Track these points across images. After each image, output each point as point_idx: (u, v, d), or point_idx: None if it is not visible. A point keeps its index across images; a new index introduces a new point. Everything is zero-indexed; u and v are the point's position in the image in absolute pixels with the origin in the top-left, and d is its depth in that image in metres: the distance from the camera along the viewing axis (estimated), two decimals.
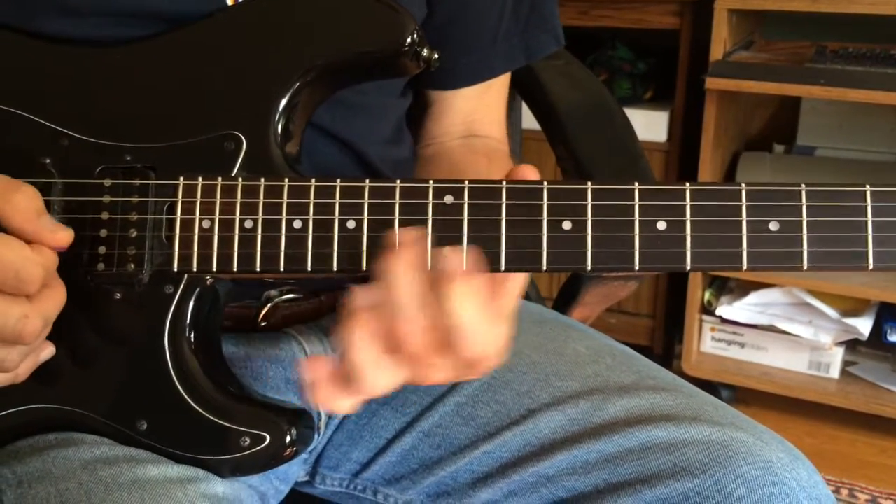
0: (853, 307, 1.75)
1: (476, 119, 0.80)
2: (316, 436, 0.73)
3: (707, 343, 1.88)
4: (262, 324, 0.70)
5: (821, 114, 1.84)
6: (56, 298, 0.54)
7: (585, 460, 0.65)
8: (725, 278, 1.87)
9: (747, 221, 0.52)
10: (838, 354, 1.78)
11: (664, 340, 1.99)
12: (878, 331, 1.76)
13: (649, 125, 1.84)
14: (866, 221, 0.52)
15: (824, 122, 1.84)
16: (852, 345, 1.82)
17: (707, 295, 1.85)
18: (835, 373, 1.79)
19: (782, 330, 1.79)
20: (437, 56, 0.60)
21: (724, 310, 1.81)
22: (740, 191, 0.53)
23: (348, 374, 0.50)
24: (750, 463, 0.61)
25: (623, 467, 0.63)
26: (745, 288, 1.82)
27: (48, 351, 0.56)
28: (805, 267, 0.52)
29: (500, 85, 0.82)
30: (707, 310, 1.85)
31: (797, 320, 1.78)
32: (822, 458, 1.69)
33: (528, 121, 1.07)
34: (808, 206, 0.52)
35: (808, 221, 0.52)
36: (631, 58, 1.91)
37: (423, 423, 0.71)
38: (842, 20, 1.68)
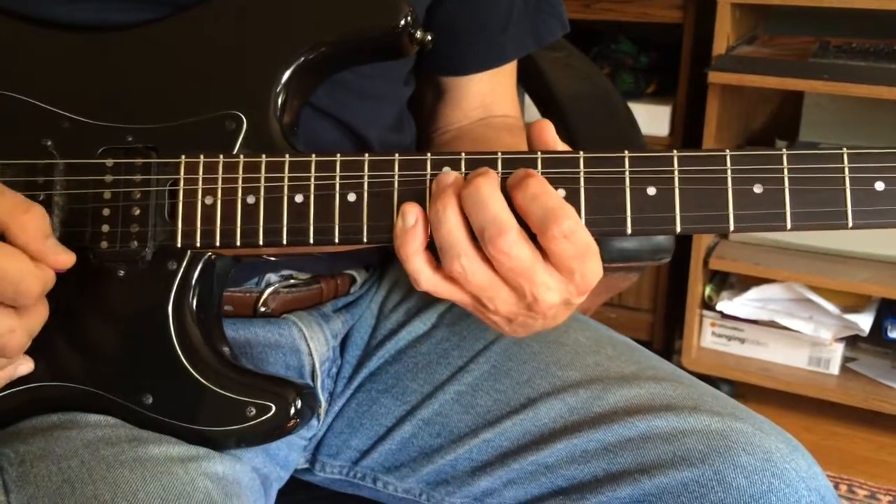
0: (854, 303, 1.75)
1: (491, 101, 0.81)
2: (316, 422, 0.73)
3: (707, 338, 1.88)
4: (262, 309, 0.70)
5: (824, 109, 1.84)
6: (41, 316, 0.55)
7: (585, 449, 0.65)
8: (726, 273, 1.86)
9: (732, 185, 0.54)
10: (838, 350, 1.78)
11: (664, 335, 1.99)
12: (878, 327, 1.76)
13: (652, 119, 1.83)
14: (844, 179, 0.54)
15: (827, 118, 1.84)
16: (852, 341, 1.82)
17: (707, 290, 1.85)
18: (835, 369, 1.79)
19: (782, 325, 1.79)
20: (430, 38, 0.61)
21: (725, 305, 1.81)
22: (725, 156, 0.55)
23: (440, 247, 0.53)
24: (749, 453, 0.61)
25: (622, 456, 0.63)
26: (745, 283, 1.82)
27: (26, 366, 0.57)
28: (789, 226, 0.54)
29: (510, 66, 0.82)
30: (707, 305, 1.85)
31: (797, 316, 1.78)
32: (821, 453, 1.68)
33: (531, 113, 1.07)
34: (789, 169, 0.55)
35: (789, 183, 0.54)
36: (634, 51, 1.91)
37: (423, 411, 0.71)
38: (845, 15, 1.67)
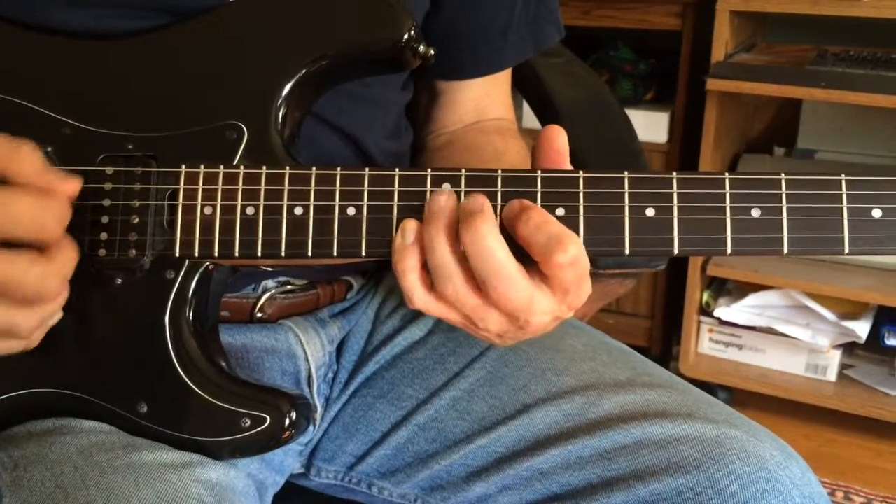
0: (851, 310, 1.75)
1: (485, 105, 0.81)
2: (311, 428, 0.73)
3: (705, 344, 1.88)
4: (259, 315, 0.71)
5: (821, 117, 1.85)
6: (70, 256, 0.53)
7: (579, 455, 0.65)
8: (724, 280, 1.87)
9: (731, 208, 0.55)
10: (836, 357, 1.79)
11: (662, 341, 1.99)
12: (875, 334, 1.76)
13: (650, 126, 1.84)
14: (842, 208, 0.55)
15: (825, 125, 1.84)
16: (850, 348, 1.83)
17: (705, 296, 1.85)
18: (832, 376, 1.80)
19: (780, 332, 1.79)
20: (433, 52, 0.61)
21: (723, 311, 1.82)
22: (724, 179, 0.55)
23: (432, 269, 0.53)
24: (743, 460, 0.61)
25: (617, 463, 0.64)
26: (743, 290, 1.82)
27: (57, 315, 0.56)
28: (785, 251, 0.55)
29: (506, 72, 0.83)
30: (705, 311, 1.86)
31: (795, 323, 1.78)
32: (818, 460, 1.69)
33: (529, 120, 1.07)
34: (787, 194, 0.55)
35: (787, 208, 0.55)
36: (632, 58, 1.92)
37: (419, 417, 0.71)
38: (843, 23, 1.68)
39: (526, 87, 0.99)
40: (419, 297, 0.54)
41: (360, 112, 0.71)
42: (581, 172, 0.55)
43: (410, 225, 0.55)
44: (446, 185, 0.56)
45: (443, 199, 0.55)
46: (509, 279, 0.52)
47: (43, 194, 0.52)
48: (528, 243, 0.53)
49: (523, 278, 0.53)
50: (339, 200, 0.56)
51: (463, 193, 0.56)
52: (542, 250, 0.52)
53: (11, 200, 0.51)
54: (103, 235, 0.58)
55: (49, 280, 0.52)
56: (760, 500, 0.60)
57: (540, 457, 0.66)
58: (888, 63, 1.60)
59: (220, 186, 0.58)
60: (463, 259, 0.53)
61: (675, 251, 0.55)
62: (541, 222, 0.53)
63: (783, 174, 0.55)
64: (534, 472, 0.66)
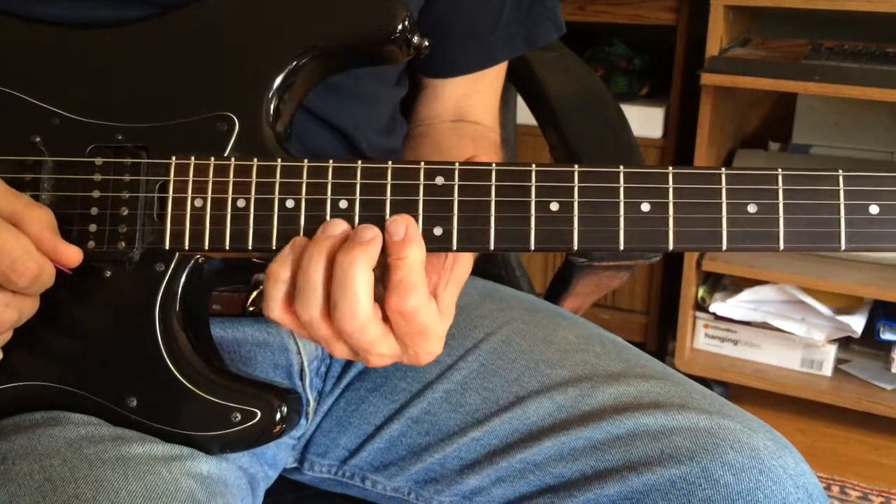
0: (846, 305, 1.75)
1: (467, 104, 0.81)
2: (304, 421, 0.73)
3: (700, 340, 1.88)
4: (251, 309, 0.70)
5: (816, 112, 1.85)
6: (32, 306, 0.55)
7: (573, 447, 0.65)
8: (719, 275, 1.87)
9: (727, 204, 0.54)
10: (831, 352, 1.79)
11: (658, 337, 1.99)
12: (870, 328, 1.76)
13: (645, 121, 1.84)
14: (839, 204, 0.54)
15: (820, 120, 1.84)
16: (845, 342, 1.83)
17: (701, 292, 1.85)
18: (827, 370, 1.80)
19: (775, 327, 1.79)
20: (427, 44, 0.61)
21: (718, 307, 1.82)
22: (720, 174, 0.55)
23: (298, 289, 0.53)
24: (737, 450, 0.61)
25: (610, 454, 0.64)
26: (738, 285, 1.82)
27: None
28: (781, 247, 0.54)
29: (495, 73, 0.82)
30: (701, 306, 1.86)
31: (790, 317, 1.78)
32: (813, 455, 1.70)
33: (524, 115, 1.07)
34: (784, 190, 0.54)
35: (784, 204, 0.54)
36: (628, 53, 1.91)
37: (412, 410, 0.71)
38: (838, 18, 1.68)
39: (520, 82, 0.99)
40: (277, 311, 0.54)
41: (352, 108, 0.71)
42: (576, 166, 0.55)
43: (300, 241, 0.54)
44: (440, 179, 0.55)
45: (337, 228, 0.54)
46: (358, 317, 0.52)
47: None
48: (388, 273, 0.53)
49: (371, 320, 0.52)
50: (331, 193, 0.56)
51: (457, 187, 0.55)
52: (392, 287, 0.52)
53: (8, 235, 0.53)
54: (92, 227, 0.58)
55: (9, 310, 0.54)
56: (754, 491, 0.60)
57: (533, 449, 0.66)
58: (883, 57, 1.60)
59: (210, 178, 0.57)
60: (328, 291, 0.53)
61: (670, 247, 0.54)
62: (409, 262, 0.52)
63: (780, 169, 0.54)
64: (527, 464, 0.66)
